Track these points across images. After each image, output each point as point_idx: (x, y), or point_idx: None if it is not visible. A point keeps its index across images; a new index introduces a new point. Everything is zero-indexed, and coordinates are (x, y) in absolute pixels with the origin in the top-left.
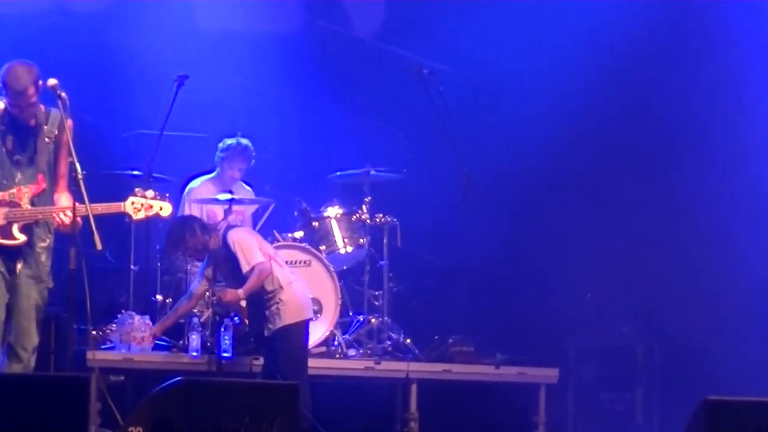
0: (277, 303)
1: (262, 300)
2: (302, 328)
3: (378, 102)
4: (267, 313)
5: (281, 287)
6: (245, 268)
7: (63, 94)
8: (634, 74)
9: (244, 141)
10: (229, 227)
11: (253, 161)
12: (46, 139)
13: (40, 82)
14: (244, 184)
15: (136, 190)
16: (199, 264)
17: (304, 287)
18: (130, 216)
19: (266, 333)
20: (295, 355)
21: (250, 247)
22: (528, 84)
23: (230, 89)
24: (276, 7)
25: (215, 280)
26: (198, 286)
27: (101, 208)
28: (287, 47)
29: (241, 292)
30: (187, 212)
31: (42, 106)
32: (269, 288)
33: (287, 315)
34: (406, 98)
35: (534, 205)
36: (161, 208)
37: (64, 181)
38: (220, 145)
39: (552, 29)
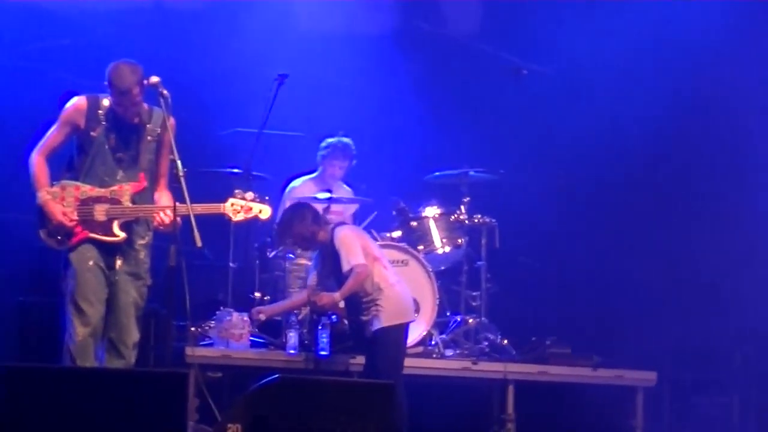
0: (378, 304)
1: (362, 301)
2: (401, 331)
3: (477, 102)
4: (367, 314)
5: (382, 289)
6: (345, 268)
7: (165, 92)
8: (723, 78)
9: (345, 139)
10: (340, 223)
11: (355, 160)
12: (149, 138)
13: (144, 82)
14: (344, 185)
15: (236, 191)
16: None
17: (406, 290)
18: (229, 217)
19: (366, 334)
20: (391, 358)
21: (352, 247)
22: (624, 86)
23: (329, 89)
24: (374, 7)
25: (323, 274)
26: (311, 278)
27: (201, 208)
28: (385, 47)
29: (337, 295)
30: None
31: (145, 105)
32: (369, 289)
33: (387, 317)
34: (504, 99)
35: (631, 206)
36: (260, 211)
37: (164, 179)
38: (322, 144)
39: (649, 31)
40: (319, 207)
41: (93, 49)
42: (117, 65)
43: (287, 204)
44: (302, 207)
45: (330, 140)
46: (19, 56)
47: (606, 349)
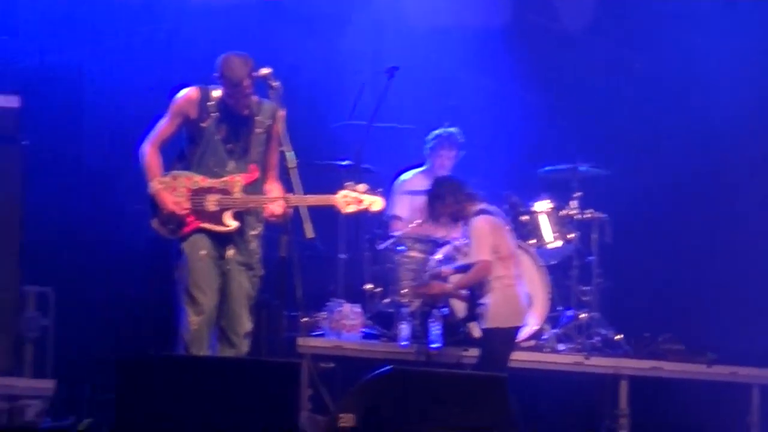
0: (490, 303)
1: (477, 296)
2: (508, 334)
3: (588, 97)
4: (479, 310)
5: (499, 288)
6: (470, 259)
7: (275, 84)
8: None
9: (452, 129)
10: (483, 211)
11: (463, 151)
12: (258, 130)
13: (255, 74)
14: None
15: (347, 183)
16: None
17: (525, 294)
18: (339, 209)
19: (478, 328)
20: (493, 360)
21: (481, 240)
22: (736, 82)
23: (439, 82)
24: (485, 0)
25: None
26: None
27: (312, 200)
28: (496, 40)
29: (449, 286)
30: (397, 204)
31: (255, 97)
32: (487, 286)
33: (495, 318)
34: (615, 93)
35: (746, 200)
36: (372, 203)
37: (274, 171)
38: (428, 137)
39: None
40: None
41: (204, 41)
42: (228, 57)
43: (396, 197)
44: (456, 182)
45: (436, 132)
46: (131, 47)
47: (720, 345)
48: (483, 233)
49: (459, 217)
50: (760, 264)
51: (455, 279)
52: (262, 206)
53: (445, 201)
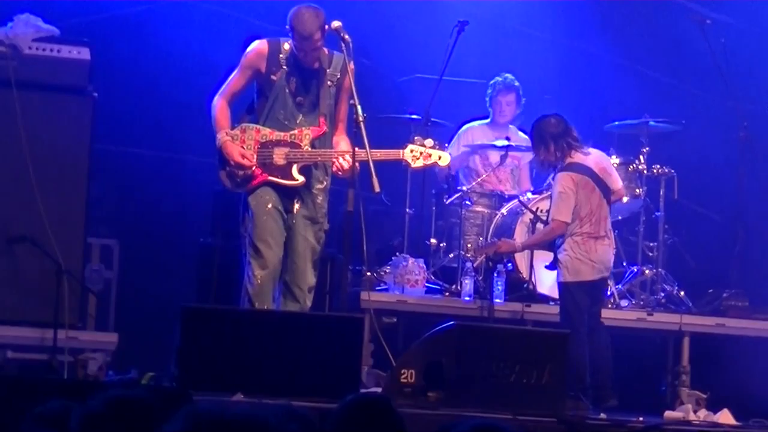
0: (568, 256)
1: (556, 249)
2: (583, 289)
3: (659, 52)
4: (559, 263)
5: (578, 243)
6: (550, 216)
7: (347, 37)
8: None
9: (507, 75)
10: (575, 165)
11: (523, 99)
12: (329, 83)
13: (326, 27)
14: (519, 132)
15: (416, 138)
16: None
17: (606, 250)
18: (408, 164)
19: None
20: (565, 314)
21: (562, 198)
22: None
23: (508, 36)
24: None
25: None
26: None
27: (380, 154)
28: None
29: (519, 245)
30: (457, 154)
31: (326, 50)
32: (567, 239)
33: (570, 272)
34: (687, 49)
35: None
36: (440, 158)
37: (343, 125)
38: (488, 89)
39: None
40: (497, 154)
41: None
42: (299, 9)
43: (456, 146)
44: (561, 123)
45: (492, 81)
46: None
47: None
48: (566, 192)
49: (555, 166)
50: None
51: (518, 235)
52: (331, 160)
53: (549, 147)
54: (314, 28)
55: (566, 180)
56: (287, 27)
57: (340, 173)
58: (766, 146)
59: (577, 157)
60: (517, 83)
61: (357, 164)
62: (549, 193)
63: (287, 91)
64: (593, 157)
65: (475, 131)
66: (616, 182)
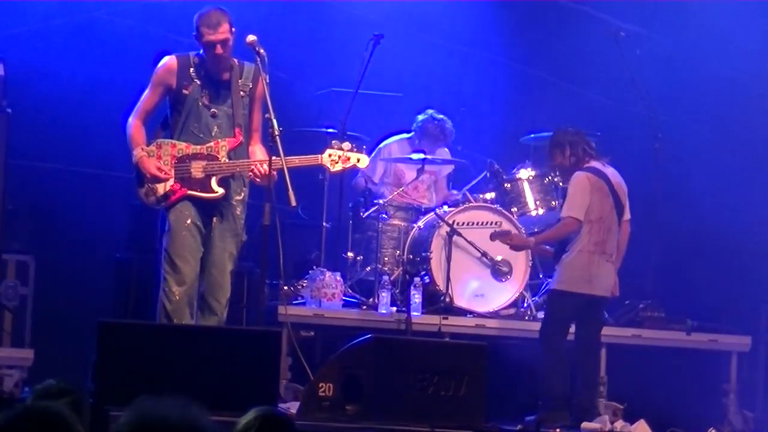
0: (564, 262)
1: (557, 251)
2: (570, 300)
3: (573, 64)
4: (556, 267)
5: (576, 251)
6: (562, 212)
7: (262, 51)
8: None
9: (447, 123)
10: (592, 168)
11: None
12: (241, 93)
13: (233, 29)
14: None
15: (333, 142)
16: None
17: (604, 264)
18: (327, 168)
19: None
20: (548, 321)
21: (576, 196)
22: (724, 50)
23: (424, 49)
24: None
25: None
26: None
27: (298, 160)
28: (482, 8)
29: (531, 239)
30: (378, 168)
31: (236, 60)
32: (568, 245)
33: (562, 280)
34: (601, 61)
35: (731, 172)
36: (358, 160)
37: (257, 134)
38: (420, 121)
39: None
40: (413, 168)
41: (190, 8)
42: (204, 8)
43: (375, 163)
44: (578, 131)
45: (427, 114)
46: (119, 13)
47: (700, 313)
48: (581, 190)
49: (571, 171)
50: (744, 231)
51: (435, 248)
52: (249, 169)
53: (565, 152)
54: (222, 19)
55: (581, 179)
56: (194, 33)
57: (257, 180)
58: (680, 158)
59: (595, 164)
60: (452, 132)
61: (274, 173)
62: (465, 205)
63: (200, 104)
64: (611, 171)
65: (393, 146)
66: (627, 213)
